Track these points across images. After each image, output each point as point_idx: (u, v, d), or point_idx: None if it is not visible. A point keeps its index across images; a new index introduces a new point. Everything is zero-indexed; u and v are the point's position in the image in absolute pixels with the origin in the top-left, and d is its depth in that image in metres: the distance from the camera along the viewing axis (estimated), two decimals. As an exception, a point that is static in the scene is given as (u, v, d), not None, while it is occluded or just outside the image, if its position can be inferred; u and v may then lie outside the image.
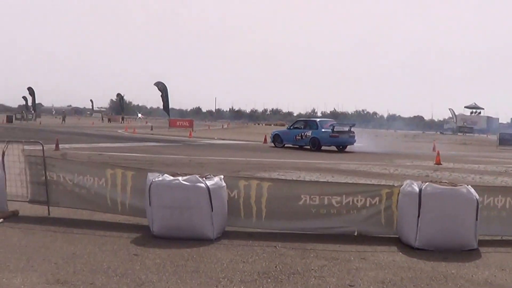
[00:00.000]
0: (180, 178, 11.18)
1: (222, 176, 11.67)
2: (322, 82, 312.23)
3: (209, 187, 11.00)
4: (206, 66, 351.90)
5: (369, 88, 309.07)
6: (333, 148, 42.46)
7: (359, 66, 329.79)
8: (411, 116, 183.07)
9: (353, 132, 42.93)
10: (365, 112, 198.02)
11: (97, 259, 9.58)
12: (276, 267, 9.31)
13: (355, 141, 43.21)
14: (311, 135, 41.66)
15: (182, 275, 8.76)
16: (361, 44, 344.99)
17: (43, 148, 13.50)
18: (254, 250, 10.37)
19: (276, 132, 46.52)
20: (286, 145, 43.60)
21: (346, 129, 42.96)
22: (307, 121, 45.25)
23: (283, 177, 21.02)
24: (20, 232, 11.59)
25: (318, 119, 46.44)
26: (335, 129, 41.34)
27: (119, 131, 72.68)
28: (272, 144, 45.22)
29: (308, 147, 41.84)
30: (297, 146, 42.53)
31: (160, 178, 11.25)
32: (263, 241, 11.06)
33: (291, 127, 45.27)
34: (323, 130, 41.53)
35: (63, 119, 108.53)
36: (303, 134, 42.39)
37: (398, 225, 11.43)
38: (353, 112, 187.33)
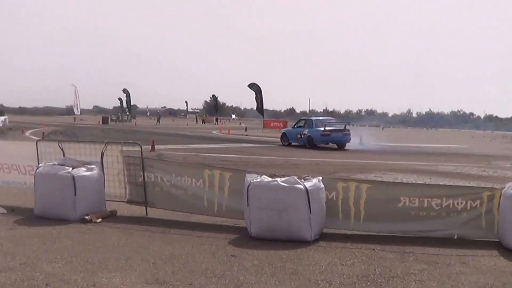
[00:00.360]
0: (278, 179, 11.17)
1: (320, 178, 11.60)
2: (417, 81, 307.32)
3: (308, 188, 10.95)
4: (300, 66, 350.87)
5: (465, 88, 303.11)
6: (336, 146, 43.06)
7: (453, 65, 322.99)
8: (509, 116, 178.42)
9: (348, 130, 43.45)
10: (461, 112, 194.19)
11: (195, 260, 9.65)
12: (375, 270, 9.21)
13: (350, 139, 43.68)
14: (307, 134, 42.85)
15: (281, 277, 8.74)
16: (454, 41, 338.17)
17: (141, 149, 13.69)
18: (352, 253, 10.28)
19: (284, 131, 48.36)
20: (292, 144, 44.82)
21: (340, 127, 43.91)
22: (306, 120, 46.22)
23: (380, 179, 20.86)
24: (119, 232, 11.79)
25: (315, 118, 47.34)
26: (326, 128, 42.01)
27: (214, 132, 73.18)
28: (366, 146, 45.08)
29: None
30: (303, 144, 43.19)
31: (258, 179, 11.27)
32: (361, 243, 10.95)
33: (295, 126, 46.46)
34: (316, 129, 42.43)
35: (158, 120, 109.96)
36: (302, 132, 43.54)
37: (499, 229, 11.09)
38: (448, 113, 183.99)
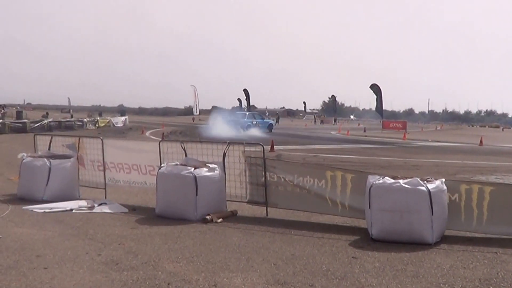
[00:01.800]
0: (400, 181, 11.06)
1: (443, 180, 11.43)
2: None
3: (430, 190, 10.81)
4: (418, 67, 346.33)
5: None
6: None
7: None
8: None
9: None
10: None
11: (316, 261, 9.64)
12: (497, 274, 8.99)
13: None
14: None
15: (402, 279, 8.65)
16: None
17: (263, 149, 13.79)
18: (474, 256, 10.06)
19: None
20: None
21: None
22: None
23: (501, 181, 20.43)
24: (239, 232, 11.89)
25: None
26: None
27: (332, 132, 73.15)
28: (486, 147, 43.98)
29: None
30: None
31: (380, 181, 11.20)
32: (483, 246, 10.70)
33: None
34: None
35: (277, 121, 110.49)
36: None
37: None
38: None
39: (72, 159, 15.59)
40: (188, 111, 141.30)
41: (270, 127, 70.64)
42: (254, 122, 66.96)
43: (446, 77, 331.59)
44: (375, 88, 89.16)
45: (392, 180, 11.17)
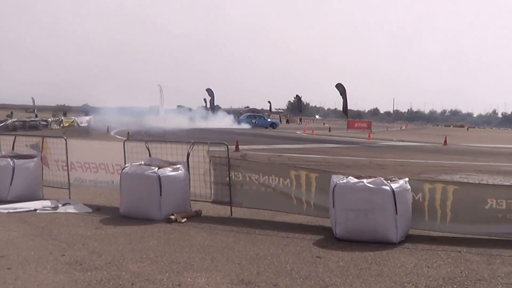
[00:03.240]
0: (364, 180, 11.11)
1: (407, 179, 11.50)
2: (503, 81, 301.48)
3: (394, 190, 10.87)
4: (383, 67, 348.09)
5: None
6: None
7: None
8: None
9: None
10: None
11: (280, 261, 9.65)
12: (461, 273, 9.06)
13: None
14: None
15: (366, 278, 8.69)
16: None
17: (227, 149, 13.79)
18: (438, 255, 10.14)
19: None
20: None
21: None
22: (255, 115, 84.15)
23: (465, 180, 20.59)
24: (204, 232, 11.88)
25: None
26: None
27: (297, 132, 73.27)
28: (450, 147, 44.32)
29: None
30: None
31: (344, 181, 11.23)
32: (447, 245, 10.80)
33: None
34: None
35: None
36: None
37: None
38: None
39: (36, 159, 15.46)
40: (153, 110, 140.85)
41: (273, 125, 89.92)
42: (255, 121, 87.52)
43: (411, 77, 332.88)
44: (341, 88, 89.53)
45: (356, 180, 11.21)
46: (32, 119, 70.72)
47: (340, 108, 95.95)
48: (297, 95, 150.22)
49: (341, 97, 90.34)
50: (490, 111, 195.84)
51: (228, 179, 13.56)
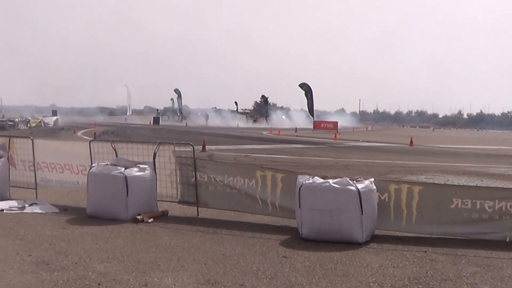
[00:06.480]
0: (330, 180, 11.16)
1: (372, 179, 11.57)
2: (468, 82, 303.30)
3: (360, 190, 10.92)
4: (348, 67, 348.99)
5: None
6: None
7: (505, 65, 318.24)
8: None
9: None
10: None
11: (247, 261, 9.69)
12: (427, 272, 9.15)
13: None
14: None
15: (332, 278, 8.73)
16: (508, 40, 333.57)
17: (193, 149, 13.78)
18: (403, 255, 10.22)
19: None
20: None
21: None
22: None
23: (431, 181, 20.73)
24: (170, 232, 11.89)
25: None
26: None
27: (264, 133, 73.29)
28: (416, 147, 44.65)
29: None
30: None
31: (310, 181, 11.26)
32: (413, 245, 10.89)
33: None
34: None
35: (206, 120, 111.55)
36: None
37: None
38: (499, 114, 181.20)
39: (2, 159, 15.37)
40: (120, 111, 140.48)
41: None
42: None
43: (377, 77, 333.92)
44: (306, 87, 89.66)
45: (322, 180, 11.25)
46: (-1, 119, 70.20)
47: (306, 108, 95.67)
48: (263, 96, 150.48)
49: (306, 97, 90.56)
50: (456, 112, 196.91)
51: (194, 179, 13.58)
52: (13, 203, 14.26)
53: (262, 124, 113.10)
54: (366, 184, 11.19)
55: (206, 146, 34.50)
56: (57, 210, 13.85)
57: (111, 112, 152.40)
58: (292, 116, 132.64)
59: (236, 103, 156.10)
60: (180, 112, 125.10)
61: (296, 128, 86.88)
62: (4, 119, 69.83)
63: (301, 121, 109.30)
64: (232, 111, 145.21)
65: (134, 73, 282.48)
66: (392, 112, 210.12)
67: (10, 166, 15.76)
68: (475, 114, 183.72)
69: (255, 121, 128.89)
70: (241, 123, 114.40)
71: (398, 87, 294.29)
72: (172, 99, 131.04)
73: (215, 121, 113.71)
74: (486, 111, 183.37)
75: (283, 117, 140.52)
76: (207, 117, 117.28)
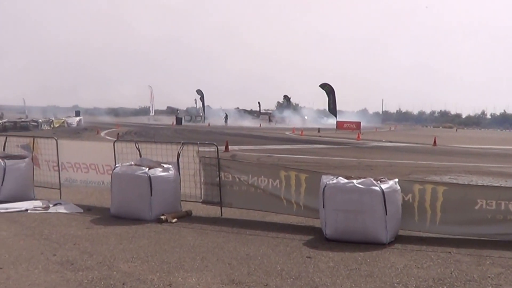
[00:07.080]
0: (354, 181, 11.13)
1: (396, 180, 11.53)
2: (492, 82, 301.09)
3: (384, 190, 10.89)
4: (372, 67, 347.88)
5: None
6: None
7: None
8: None
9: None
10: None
11: (271, 261, 9.68)
12: (451, 273, 9.10)
13: None
14: None
15: (356, 279, 8.71)
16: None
17: (217, 149, 13.79)
18: (428, 256, 10.17)
19: None
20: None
21: None
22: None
23: (454, 181, 20.64)
24: (194, 232, 11.89)
25: None
26: None
27: (287, 133, 73.16)
28: (439, 147, 44.54)
29: None
30: None
31: (334, 181, 11.25)
32: (437, 246, 10.83)
33: None
34: None
35: (225, 121, 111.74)
36: None
37: None
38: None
39: (27, 159, 15.46)
40: (142, 112, 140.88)
41: None
42: None
43: (400, 77, 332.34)
44: (327, 88, 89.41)
45: (346, 180, 11.23)
46: (22, 119, 70.42)
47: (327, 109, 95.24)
48: (285, 96, 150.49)
49: (328, 98, 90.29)
50: (479, 112, 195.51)
51: (218, 179, 13.59)
52: (38, 203, 14.30)
53: (284, 125, 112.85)
54: (390, 184, 11.15)
55: (229, 146, 34.51)
56: (81, 210, 13.90)
57: (136, 112, 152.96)
58: (308, 116, 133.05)
59: (259, 103, 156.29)
60: (203, 112, 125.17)
61: (319, 128, 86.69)
62: (27, 120, 70.16)
63: (321, 121, 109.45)
64: (255, 111, 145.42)
65: (157, 75, 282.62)
66: (415, 112, 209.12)
67: (35, 166, 15.83)
68: (498, 114, 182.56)
69: (277, 121, 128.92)
70: (263, 123, 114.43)
71: (420, 87, 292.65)
72: (195, 100, 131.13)
73: (236, 122, 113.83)
74: (509, 111, 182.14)
75: (306, 117, 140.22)
76: (226, 117, 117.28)
